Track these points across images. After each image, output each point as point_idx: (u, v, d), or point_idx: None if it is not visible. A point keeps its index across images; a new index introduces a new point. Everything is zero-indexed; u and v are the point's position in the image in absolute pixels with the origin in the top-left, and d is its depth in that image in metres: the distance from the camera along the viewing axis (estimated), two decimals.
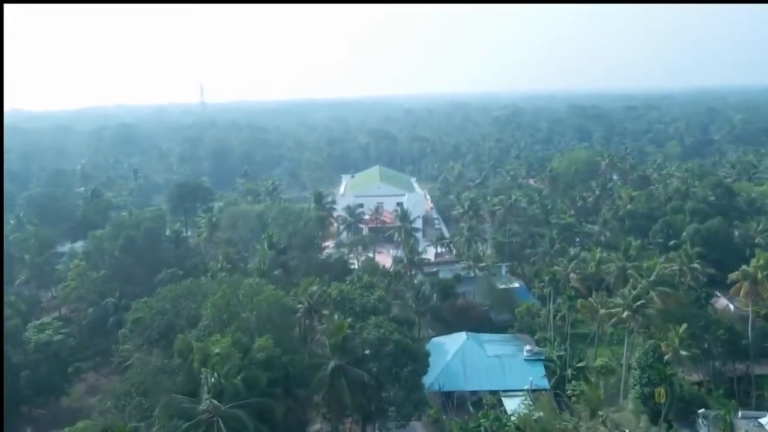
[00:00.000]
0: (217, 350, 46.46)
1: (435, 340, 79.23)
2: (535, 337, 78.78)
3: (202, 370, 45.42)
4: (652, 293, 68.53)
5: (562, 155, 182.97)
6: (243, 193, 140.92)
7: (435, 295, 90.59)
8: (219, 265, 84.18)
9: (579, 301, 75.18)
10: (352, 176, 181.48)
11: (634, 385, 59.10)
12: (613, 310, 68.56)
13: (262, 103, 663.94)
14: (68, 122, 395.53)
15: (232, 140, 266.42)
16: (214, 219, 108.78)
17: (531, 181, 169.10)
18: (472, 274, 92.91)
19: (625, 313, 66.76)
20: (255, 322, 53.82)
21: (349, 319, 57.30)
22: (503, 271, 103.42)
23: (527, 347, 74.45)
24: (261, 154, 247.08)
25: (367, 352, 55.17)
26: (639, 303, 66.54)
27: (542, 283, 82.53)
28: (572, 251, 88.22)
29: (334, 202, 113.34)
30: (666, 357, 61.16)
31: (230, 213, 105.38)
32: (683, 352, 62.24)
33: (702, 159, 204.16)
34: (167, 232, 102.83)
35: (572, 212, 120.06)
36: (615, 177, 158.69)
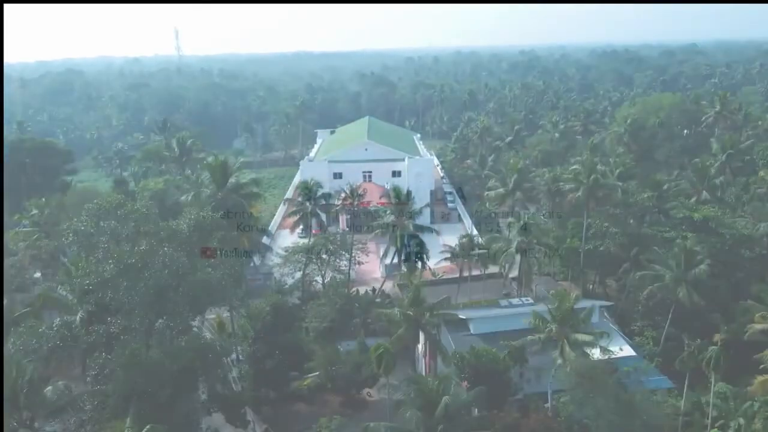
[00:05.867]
0: None
1: None
2: None
3: None
4: None
5: (633, 102, 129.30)
6: (140, 158, 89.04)
7: (467, 380, 42.03)
8: None
9: None
10: (332, 132, 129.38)
11: None
12: None
13: (252, 54, 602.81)
14: (24, 73, 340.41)
15: (189, 88, 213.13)
16: (47, 212, 58.02)
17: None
18: (557, 361, 41.98)
19: None
20: None
21: None
22: (595, 315, 52.89)
23: None
24: (222, 104, 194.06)
25: None
26: None
27: None
28: None
29: (255, 182, 58.94)
30: None
31: (60, 204, 54.06)
32: None
33: None
34: None
35: (706, 195, 67.82)
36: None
